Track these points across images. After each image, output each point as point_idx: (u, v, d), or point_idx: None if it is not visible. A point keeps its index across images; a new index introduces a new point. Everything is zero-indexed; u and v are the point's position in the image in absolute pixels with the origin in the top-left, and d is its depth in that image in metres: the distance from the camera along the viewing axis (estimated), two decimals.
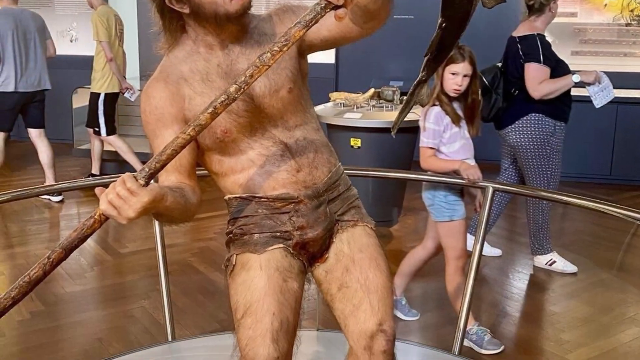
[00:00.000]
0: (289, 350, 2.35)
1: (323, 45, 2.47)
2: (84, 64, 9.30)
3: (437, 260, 4.86)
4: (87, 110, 8.76)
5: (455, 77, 4.29)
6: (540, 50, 5.59)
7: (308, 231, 2.43)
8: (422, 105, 4.38)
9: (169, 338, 4.15)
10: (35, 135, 8.20)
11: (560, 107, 5.73)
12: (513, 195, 6.35)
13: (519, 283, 5.91)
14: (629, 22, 9.37)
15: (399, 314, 4.95)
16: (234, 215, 2.48)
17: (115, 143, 8.65)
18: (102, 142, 8.83)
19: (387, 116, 6.55)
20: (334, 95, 7.25)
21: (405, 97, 3.05)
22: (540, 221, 6.04)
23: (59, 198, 8.19)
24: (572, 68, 5.77)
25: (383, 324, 2.41)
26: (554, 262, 6.08)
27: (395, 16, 9.46)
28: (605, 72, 5.83)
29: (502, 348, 4.52)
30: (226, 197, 2.52)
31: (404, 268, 4.90)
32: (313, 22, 2.06)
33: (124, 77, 8.75)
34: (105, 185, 2.09)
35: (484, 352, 4.48)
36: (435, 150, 4.39)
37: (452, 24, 2.36)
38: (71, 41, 11.38)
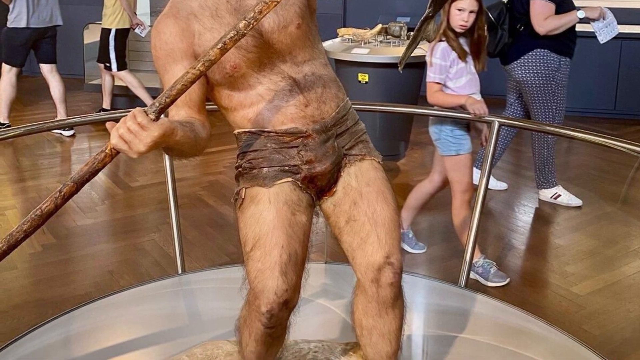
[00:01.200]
0: (297, 282, 2.35)
1: None
2: (95, 0, 9.22)
3: (443, 194, 4.86)
4: (99, 46, 8.73)
5: (462, 13, 4.25)
6: None
7: (316, 165, 2.42)
8: (429, 41, 4.36)
9: (179, 270, 4.17)
10: (47, 70, 8.19)
11: (565, 42, 5.69)
12: (518, 129, 6.33)
13: (524, 216, 5.92)
14: None
15: (406, 247, 4.97)
16: (243, 150, 2.47)
17: (125, 78, 8.64)
18: (113, 77, 8.81)
19: (394, 52, 6.51)
20: (341, 31, 7.21)
21: (412, 33, 3.03)
22: (546, 155, 6.03)
23: (70, 132, 8.19)
24: (577, 4, 5.71)
25: (390, 256, 2.42)
26: (559, 195, 6.09)
27: None
28: (610, 8, 5.77)
29: (507, 280, 4.55)
30: (235, 132, 2.51)
31: (410, 201, 4.91)
32: None
33: (135, 13, 8.71)
34: (116, 120, 2.08)
35: (489, 284, 4.51)
36: (441, 86, 4.37)
37: None
38: None
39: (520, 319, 3.58)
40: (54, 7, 8.07)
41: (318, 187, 2.47)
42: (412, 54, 3.03)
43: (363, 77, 6.38)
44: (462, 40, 4.36)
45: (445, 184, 4.67)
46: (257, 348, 2.51)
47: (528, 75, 5.69)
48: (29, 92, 10.14)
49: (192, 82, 2.13)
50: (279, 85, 2.40)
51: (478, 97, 4.35)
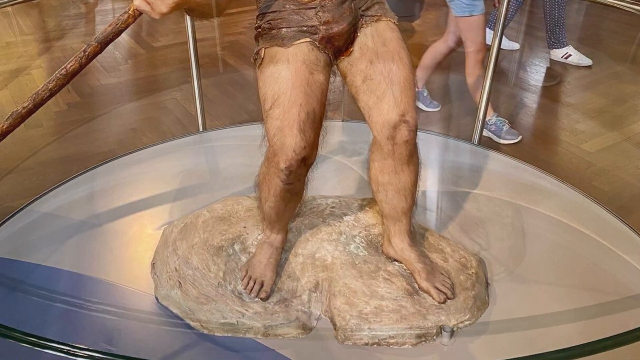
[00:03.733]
0: (315, 139, 2.32)
1: None
2: None
3: (457, 54, 4.76)
4: None
5: None
6: None
7: (333, 26, 2.34)
8: None
9: (200, 128, 4.13)
10: None
11: None
12: None
13: (536, 75, 5.81)
14: None
15: (421, 105, 4.91)
16: (262, 11, 2.39)
17: None
18: None
19: None
20: None
21: None
22: (557, 16, 5.90)
23: None
24: None
25: (406, 114, 2.36)
26: (570, 55, 5.99)
27: None
28: None
29: (519, 138, 4.49)
30: None
31: (425, 61, 4.82)
32: None
33: None
34: None
35: (502, 141, 4.46)
36: None
37: None
38: None
39: (532, 175, 3.54)
40: None
41: (335, 47, 2.39)
42: None
43: None
44: None
45: (459, 44, 4.57)
46: (276, 203, 2.51)
47: None
48: None
49: None
50: None
51: None
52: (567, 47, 6.03)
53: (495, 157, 3.73)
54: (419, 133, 2.42)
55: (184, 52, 5.40)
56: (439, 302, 2.52)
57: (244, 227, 2.86)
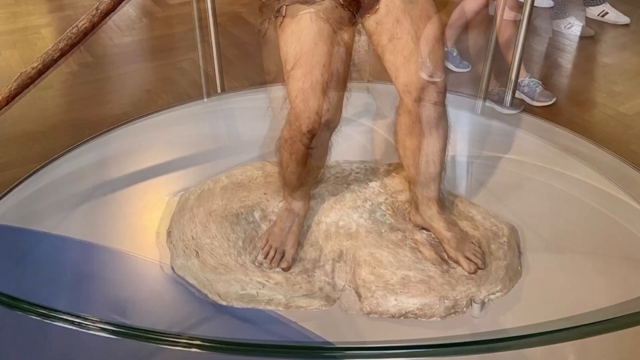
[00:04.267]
0: (339, 102, 2.31)
1: None
2: None
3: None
4: None
5: None
6: None
7: None
8: None
9: (219, 90, 4.12)
10: None
11: None
12: None
13: (570, 34, 5.75)
14: None
15: (450, 66, 4.87)
16: None
17: None
18: None
19: None
20: None
21: None
22: None
23: None
24: None
25: (434, 75, 2.34)
26: (607, 13, 5.92)
27: None
28: None
29: (554, 100, 4.44)
30: None
31: (454, 19, 4.77)
32: None
33: None
34: None
35: (535, 104, 4.42)
36: None
37: None
38: None
39: (567, 139, 3.51)
40: None
41: (360, 5, 2.36)
42: None
43: None
44: None
45: (491, 0, 4.52)
46: (298, 169, 2.50)
47: None
48: None
49: None
50: None
51: None
52: (603, 5, 5.96)
53: (529, 120, 3.70)
54: (448, 94, 2.40)
55: (201, 10, 5.37)
56: (469, 272, 2.50)
57: (264, 194, 2.85)
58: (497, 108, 4.37)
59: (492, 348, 1.71)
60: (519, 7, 4.10)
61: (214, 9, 3.96)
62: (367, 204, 2.78)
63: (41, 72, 2.08)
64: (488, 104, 3.89)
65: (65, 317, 1.44)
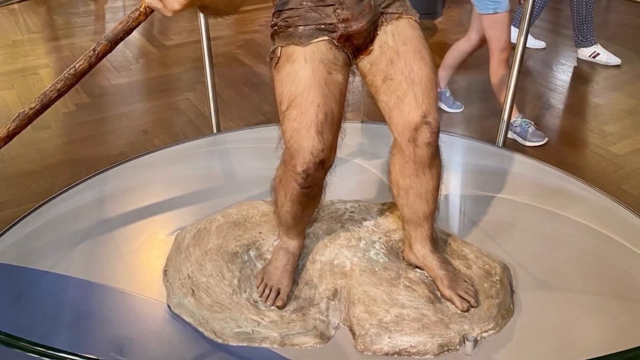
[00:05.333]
0: (333, 142, 2.31)
1: None
2: None
3: (481, 53, 4.76)
4: None
5: None
6: None
7: (352, 23, 2.34)
8: None
9: (214, 130, 4.15)
10: None
11: None
12: None
13: (562, 75, 5.80)
14: None
15: (443, 106, 4.92)
16: (278, 8, 2.39)
17: None
18: None
19: None
20: None
21: None
22: (584, 13, 5.91)
23: None
24: None
25: (427, 115, 2.36)
26: (598, 54, 5.99)
27: None
28: None
29: (545, 140, 4.49)
30: None
31: (448, 60, 4.83)
32: None
33: None
34: None
35: (527, 144, 4.46)
36: None
37: None
38: None
39: (559, 179, 3.53)
40: None
41: (354, 46, 2.39)
42: None
43: None
44: None
45: (483, 42, 4.58)
46: (292, 208, 2.50)
47: None
48: None
49: None
50: None
51: None
52: (595, 46, 6.03)
53: (521, 160, 3.72)
54: (441, 135, 2.42)
55: (197, 51, 5.44)
56: (462, 311, 2.51)
57: (260, 233, 2.87)
58: (519, 140, 4.42)
59: None
60: (512, 49, 4.15)
61: (209, 50, 4.00)
62: (361, 243, 2.80)
63: (39, 112, 2.09)
64: (481, 143, 3.93)
65: (64, 355, 1.45)
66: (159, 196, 3.38)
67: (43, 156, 4.34)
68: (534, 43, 6.31)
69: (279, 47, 2.35)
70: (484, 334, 2.48)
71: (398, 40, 2.40)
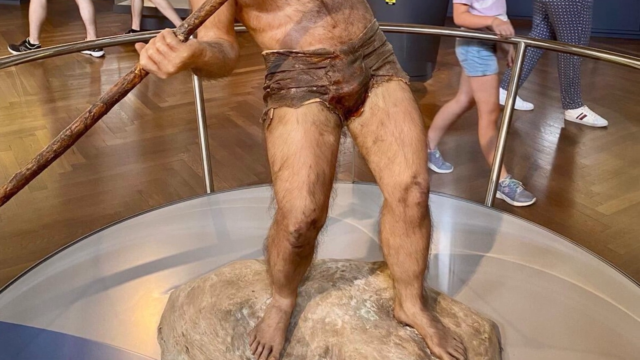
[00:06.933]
0: (325, 202, 2.34)
1: None
2: None
3: (470, 114, 4.83)
4: None
5: None
6: None
7: (344, 86, 2.38)
8: None
9: (208, 190, 4.18)
10: None
11: None
12: (544, 50, 6.27)
13: (550, 136, 5.87)
14: None
15: (433, 167, 4.96)
16: (271, 70, 2.44)
17: None
18: None
19: None
20: None
21: None
22: (571, 76, 5.98)
23: (100, 53, 8.18)
24: None
25: (417, 176, 2.39)
26: (585, 115, 6.05)
27: None
28: None
29: (533, 200, 4.53)
30: (264, 53, 2.47)
31: (437, 122, 4.88)
32: None
33: None
34: (146, 41, 2.05)
35: (516, 204, 4.50)
36: (468, 7, 4.30)
37: None
38: None
39: (546, 238, 3.57)
40: None
41: (346, 108, 2.44)
42: None
43: None
44: None
45: (472, 104, 4.64)
46: (285, 267, 2.51)
47: None
48: (59, 13, 10.11)
49: (221, 4, 2.08)
50: (306, 6, 2.35)
51: (504, 18, 4.27)
52: (582, 108, 6.09)
53: (509, 220, 3.76)
54: (431, 195, 2.45)
55: (191, 113, 5.50)
56: None
57: (253, 291, 2.89)
58: (508, 200, 4.46)
59: None
60: (500, 110, 4.21)
61: (203, 112, 4.05)
62: (352, 301, 2.82)
63: (36, 172, 2.10)
64: (470, 203, 3.96)
65: None
66: (153, 255, 3.41)
67: (39, 216, 4.37)
68: (522, 105, 6.37)
69: (272, 109, 2.39)
70: None
71: (388, 102, 2.44)
